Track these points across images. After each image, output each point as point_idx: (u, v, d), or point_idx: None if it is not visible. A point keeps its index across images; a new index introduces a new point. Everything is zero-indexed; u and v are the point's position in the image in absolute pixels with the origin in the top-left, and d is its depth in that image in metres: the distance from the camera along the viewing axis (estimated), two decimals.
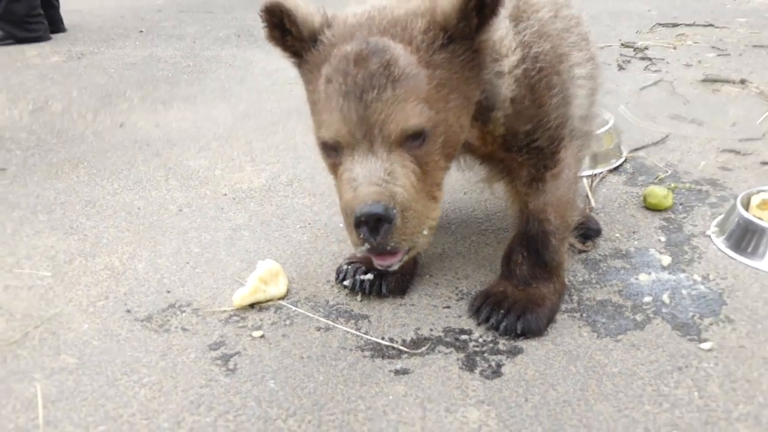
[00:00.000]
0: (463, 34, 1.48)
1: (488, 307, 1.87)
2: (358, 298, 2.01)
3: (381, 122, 1.40)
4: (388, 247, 1.45)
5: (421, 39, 1.45)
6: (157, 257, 2.23)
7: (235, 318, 1.93)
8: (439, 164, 1.53)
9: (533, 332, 1.80)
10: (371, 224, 1.40)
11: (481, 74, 1.55)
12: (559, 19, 1.77)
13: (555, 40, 1.70)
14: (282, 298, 2.01)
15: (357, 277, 2.00)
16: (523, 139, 1.68)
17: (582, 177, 1.91)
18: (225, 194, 2.66)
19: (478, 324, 1.87)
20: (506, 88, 1.61)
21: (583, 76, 1.83)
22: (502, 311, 1.84)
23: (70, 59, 4.45)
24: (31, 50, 4.61)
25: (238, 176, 2.80)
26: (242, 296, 1.96)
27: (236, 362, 1.76)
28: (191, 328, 1.89)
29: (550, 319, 1.86)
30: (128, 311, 1.96)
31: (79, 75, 4.12)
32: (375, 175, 1.41)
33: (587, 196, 2.57)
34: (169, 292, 2.05)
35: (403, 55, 1.42)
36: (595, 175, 2.75)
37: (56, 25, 4.97)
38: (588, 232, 2.25)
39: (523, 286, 1.88)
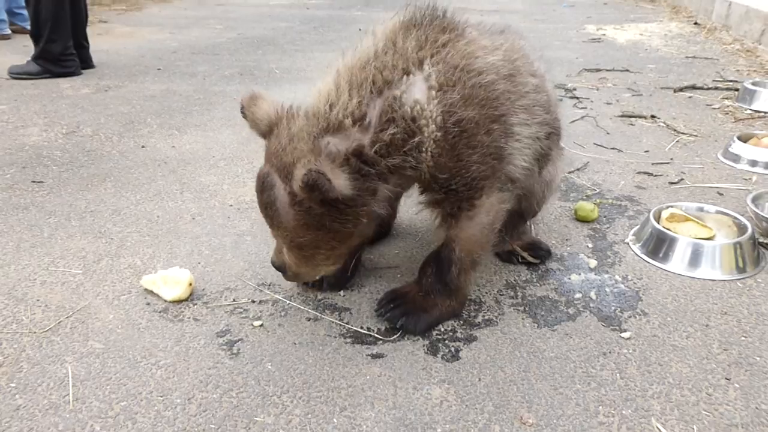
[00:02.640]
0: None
1: (386, 301, 1.86)
2: (341, 293, 1.99)
3: (272, 230, 1.68)
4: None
5: (293, 187, 1.51)
6: (173, 258, 2.19)
7: (239, 310, 1.90)
8: (318, 260, 1.70)
9: (409, 332, 1.79)
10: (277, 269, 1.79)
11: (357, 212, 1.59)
12: (509, 83, 1.66)
13: (486, 104, 1.59)
14: (175, 302, 1.92)
15: None
16: (443, 183, 1.64)
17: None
18: (231, 205, 2.62)
19: (377, 314, 1.86)
20: (426, 149, 1.57)
21: (528, 136, 1.73)
22: (392, 305, 1.83)
23: (98, 91, 4.36)
24: (64, 83, 4.51)
25: (242, 190, 2.76)
26: (146, 280, 1.98)
27: (239, 347, 1.73)
28: (201, 318, 1.85)
29: (431, 325, 1.82)
30: (148, 304, 1.92)
31: (106, 104, 4.04)
32: (278, 248, 1.75)
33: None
34: None
35: (281, 196, 1.55)
36: None
37: (87, 63, 4.87)
38: (540, 252, 2.20)
39: (424, 294, 1.85)
